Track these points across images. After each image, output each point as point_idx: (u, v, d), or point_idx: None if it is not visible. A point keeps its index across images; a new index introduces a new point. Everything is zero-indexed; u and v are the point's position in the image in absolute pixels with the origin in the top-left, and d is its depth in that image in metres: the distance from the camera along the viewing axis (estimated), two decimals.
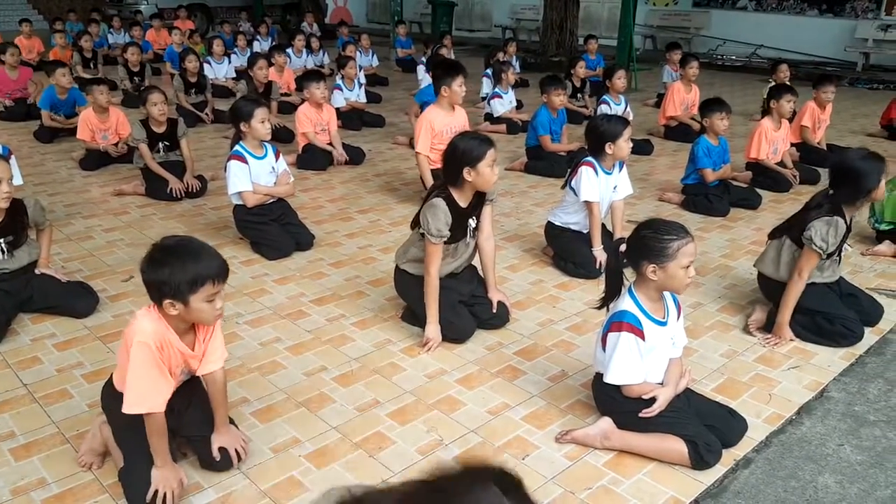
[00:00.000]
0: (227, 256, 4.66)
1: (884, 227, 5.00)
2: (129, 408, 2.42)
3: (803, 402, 3.21)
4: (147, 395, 2.42)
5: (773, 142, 6.38)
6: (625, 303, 2.80)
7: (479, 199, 3.69)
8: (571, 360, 3.56)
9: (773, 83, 9.43)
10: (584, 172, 4.39)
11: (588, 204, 4.42)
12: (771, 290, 3.86)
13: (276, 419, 3.05)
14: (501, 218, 5.63)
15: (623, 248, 2.83)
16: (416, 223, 3.74)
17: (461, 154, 3.49)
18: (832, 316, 3.69)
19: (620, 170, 4.57)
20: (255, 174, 4.73)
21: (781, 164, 6.57)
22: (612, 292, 2.88)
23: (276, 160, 4.89)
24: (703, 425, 2.83)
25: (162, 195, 5.93)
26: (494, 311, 3.79)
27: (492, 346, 3.68)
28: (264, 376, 3.36)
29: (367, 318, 3.96)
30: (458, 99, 5.60)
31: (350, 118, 8.67)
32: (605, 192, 4.49)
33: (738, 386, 3.34)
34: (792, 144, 7.44)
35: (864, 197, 3.64)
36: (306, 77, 6.89)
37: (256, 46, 13.77)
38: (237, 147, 4.73)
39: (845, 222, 3.62)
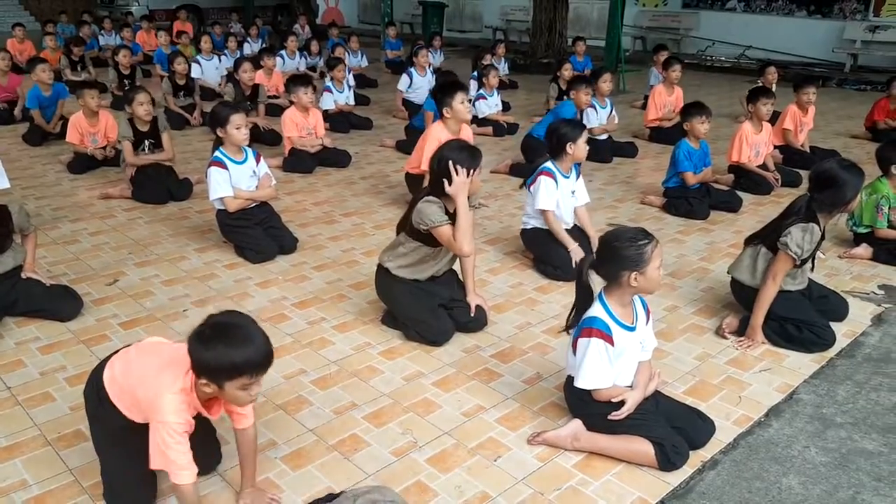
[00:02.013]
0: (211, 260, 4.83)
1: (861, 229, 5.07)
2: (175, 479, 2.33)
3: (772, 404, 3.28)
4: (188, 467, 2.33)
5: (753, 145, 6.45)
6: (595, 309, 2.86)
7: None
8: (547, 362, 3.62)
9: (760, 85, 9.55)
10: (543, 182, 4.54)
11: (543, 212, 4.59)
12: (745, 296, 3.92)
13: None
14: (484, 221, 5.69)
15: (588, 266, 2.87)
16: (401, 227, 3.80)
17: (456, 163, 3.53)
18: (802, 322, 3.76)
19: (578, 176, 4.75)
20: (235, 179, 4.78)
21: (764, 166, 6.64)
22: (581, 309, 2.93)
23: (258, 164, 4.94)
24: (670, 427, 2.89)
25: (148, 198, 5.98)
26: (472, 314, 3.85)
27: (469, 349, 3.74)
28: None
29: (348, 321, 4.01)
30: (463, 117, 5.44)
31: (338, 120, 8.72)
32: (565, 197, 4.65)
33: (710, 388, 3.41)
34: (775, 147, 7.53)
35: (840, 207, 3.71)
36: (293, 81, 6.94)
37: (247, 48, 13.79)
38: (217, 153, 4.78)
39: (820, 229, 3.69)
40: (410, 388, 3.37)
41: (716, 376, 3.51)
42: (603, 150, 7.59)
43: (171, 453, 2.29)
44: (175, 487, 2.35)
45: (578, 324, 2.91)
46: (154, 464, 2.34)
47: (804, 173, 7.09)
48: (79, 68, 11.75)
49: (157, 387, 2.35)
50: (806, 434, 3.09)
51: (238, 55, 12.53)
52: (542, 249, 4.67)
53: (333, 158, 7.18)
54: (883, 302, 4.35)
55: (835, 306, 4.03)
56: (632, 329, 2.88)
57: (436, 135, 5.53)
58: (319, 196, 6.30)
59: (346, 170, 7.12)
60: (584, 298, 2.92)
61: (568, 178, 4.65)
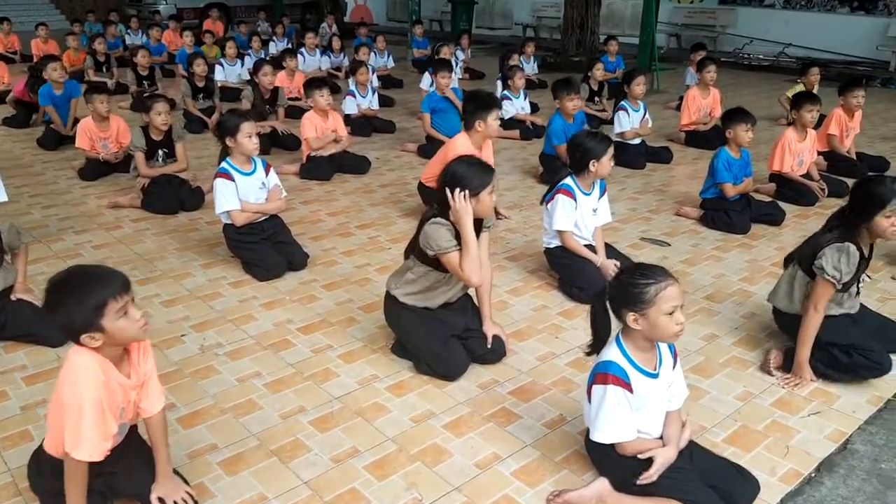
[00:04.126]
0: (217, 277, 4.56)
1: None
2: (72, 450, 2.23)
3: (824, 456, 2.91)
4: (93, 440, 2.24)
5: (797, 153, 6.04)
6: (611, 352, 2.54)
7: (476, 226, 3.43)
8: (571, 401, 3.28)
9: (802, 85, 9.08)
10: (561, 202, 4.22)
11: (560, 233, 4.29)
12: (787, 323, 3.56)
13: (245, 471, 2.81)
14: (507, 234, 5.36)
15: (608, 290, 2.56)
16: (409, 251, 3.51)
17: (460, 181, 3.23)
18: (850, 347, 3.38)
19: (602, 194, 4.41)
20: (242, 191, 4.51)
21: (808, 175, 6.22)
22: (600, 338, 2.61)
23: (267, 175, 4.66)
24: (707, 487, 2.55)
25: (158, 208, 5.74)
26: (489, 346, 3.53)
27: (486, 384, 3.42)
28: (237, 418, 3.13)
29: (356, 350, 3.71)
30: (495, 132, 5.29)
31: (361, 125, 8.45)
32: (586, 214, 4.33)
33: (753, 435, 3.05)
34: (819, 153, 7.09)
35: (865, 223, 3.32)
36: (309, 84, 6.66)
37: (272, 48, 13.60)
38: (223, 164, 4.51)
39: (859, 248, 3.31)
40: (419, 432, 3.05)
41: (760, 421, 3.14)
42: (636, 155, 7.23)
43: (72, 416, 2.22)
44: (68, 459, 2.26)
45: (593, 367, 2.59)
46: (51, 447, 2.36)
47: (851, 182, 6.68)
48: (104, 69, 11.62)
49: (65, 376, 2.28)
50: (864, 495, 2.72)
51: (262, 55, 12.38)
52: (568, 270, 4.34)
53: (352, 165, 6.90)
54: None
55: (894, 338, 3.62)
56: (654, 376, 2.55)
57: (460, 147, 5.21)
58: (336, 206, 6.01)
59: (366, 177, 6.83)
60: (602, 328, 2.60)
61: (589, 195, 4.31)
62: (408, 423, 3.12)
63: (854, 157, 7.14)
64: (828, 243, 3.29)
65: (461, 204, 3.20)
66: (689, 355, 3.67)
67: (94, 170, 6.69)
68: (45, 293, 2.26)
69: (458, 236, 3.24)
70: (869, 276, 3.55)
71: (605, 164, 4.24)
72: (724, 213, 5.45)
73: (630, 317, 2.47)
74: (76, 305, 2.20)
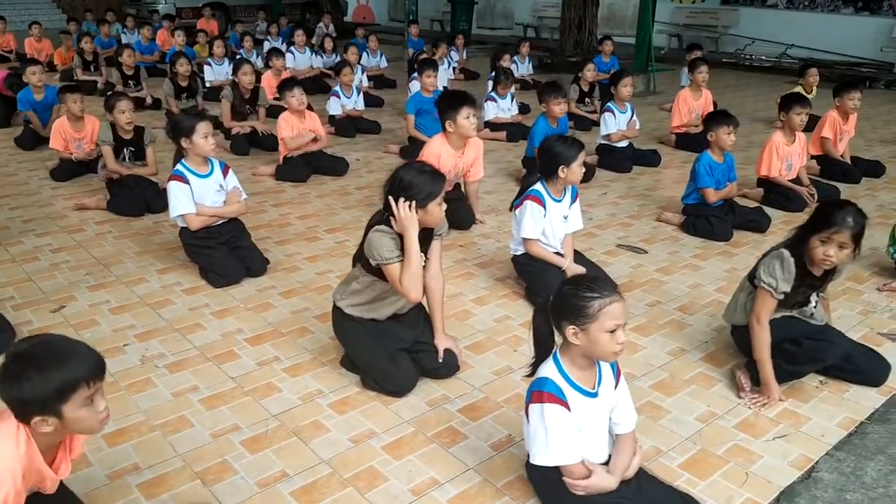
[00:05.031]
0: (171, 283, 4.38)
1: None
2: None
3: (785, 485, 2.71)
4: None
5: (785, 157, 5.83)
6: (547, 368, 2.38)
7: (426, 234, 3.25)
8: (522, 419, 3.08)
9: (793, 91, 8.85)
10: (529, 208, 4.01)
11: (525, 240, 4.10)
12: (741, 339, 3.38)
13: (164, 494, 2.63)
14: (480, 239, 5.18)
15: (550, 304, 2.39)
16: (356, 259, 3.33)
17: (407, 190, 3.05)
18: (798, 336, 3.23)
19: (573, 200, 4.20)
20: (198, 194, 4.33)
21: (797, 180, 6.01)
22: (542, 356, 2.44)
23: (225, 177, 4.49)
24: None
25: (124, 210, 5.59)
26: (441, 360, 3.34)
27: (435, 401, 3.23)
28: (166, 437, 2.95)
29: (303, 363, 3.53)
30: (468, 132, 5.02)
31: (345, 126, 8.29)
32: (556, 221, 4.12)
33: (712, 460, 2.85)
34: (812, 157, 6.88)
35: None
36: (282, 86, 6.49)
37: (267, 47, 13.43)
38: (178, 166, 4.35)
39: (803, 261, 3.13)
40: (356, 454, 2.87)
41: (721, 444, 2.94)
42: (622, 159, 7.03)
43: None
44: None
45: (529, 385, 2.41)
46: None
47: (844, 187, 6.47)
48: (92, 68, 11.48)
49: None
50: None
51: (255, 54, 12.25)
52: (533, 278, 4.14)
53: (330, 166, 6.73)
54: None
55: (866, 367, 3.35)
56: (593, 395, 2.38)
57: (435, 150, 5.04)
58: (307, 208, 5.84)
59: (343, 178, 6.66)
60: (545, 346, 2.44)
61: (560, 201, 4.10)
62: (346, 443, 2.93)
63: (848, 160, 6.92)
64: (769, 252, 3.17)
65: (406, 214, 3.02)
66: (652, 371, 3.48)
67: (67, 170, 6.56)
68: (7, 358, 1.96)
69: (403, 246, 3.06)
70: (820, 295, 3.32)
71: (574, 170, 4.03)
72: (705, 219, 5.24)
73: (570, 330, 2.31)
74: (42, 382, 1.91)
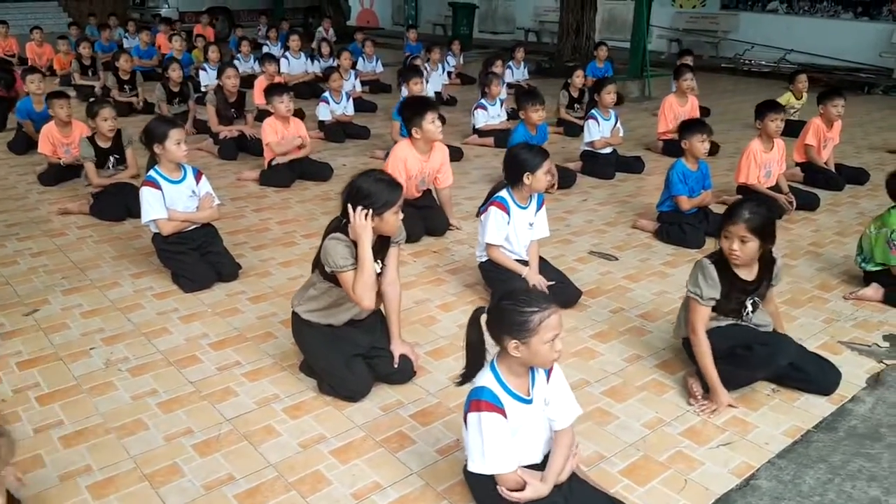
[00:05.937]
0: (143, 288, 4.45)
1: (871, 267, 4.46)
2: None
3: (722, 492, 2.74)
4: None
5: (763, 164, 5.85)
6: (485, 377, 2.44)
7: (384, 242, 3.31)
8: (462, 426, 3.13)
9: (791, 94, 8.86)
10: (493, 214, 4.05)
11: (487, 246, 4.14)
12: (690, 351, 3.41)
13: (112, 495, 2.69)
14: (454, 245, 5.23)
15: (484, 317, 2.44)
16: (315, 265, 3.38)
17: (364, 198, 3.11)
18: (747, 342, 3.27)
19: (539, 207, 4.23)
20: (170, 200, 4.41)
21: (776, 187, 6.03)
22: (473, 367, 2.50)
23: (198, 183, 4.56)
24: None
25: (106, 214, 5.67)
26: (396, 365, 3.39)
27: (389, 406, 3.28)
28: (120, 439, 3.01)
29: (263, 367, 3.59)
30: (434, 136, 5.07)
31: (334, 131, 8.36)
32: (520, 228, 4.16)
33: (653, 467, 2.88)
34: (797, 164, 6.90)
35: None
36: (269, 91, 6.56)
37: (266, 51, 13.53)
38: (151, 172, 4.41)
39: (728, 268, 3.19)
40: (303, 458, 2.92)
41: (664, 451, 2.98)
42: (605, 165, 7.06)
43: None
44: None
45: (468, 394, 2.46)
46: None
47: (826, 194, 6.48)
48: (90, 73, 11.60)
49: None
50: None
51: (252, 59, 12.33)
52: (498, 285, 4.18)
53: (314, 171, 6.80)
54: (885, 357, 3.74)
55: (815, 376, 3.36)
56: (527, 401, 2.44)
57: (401, 155, 5.10)
58: (288, 213, 5.90)
59: (327, 184, 6.72)
60: (476, 357, 2.50)
61: (525, 208, 4.15)
62: (294, 447, 2.98)
63: (832, 168, 6.93)
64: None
65: (360, 222, 3.08)
66: (606, 377, 3.52)
67: (55, 175, 6.65)
68: None
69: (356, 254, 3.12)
70: (753, 303, 3.35)
71: (539, 178, 4.08)
72: (678, 226, 5.27)
73: (511, 344, 2.37)
74: None
